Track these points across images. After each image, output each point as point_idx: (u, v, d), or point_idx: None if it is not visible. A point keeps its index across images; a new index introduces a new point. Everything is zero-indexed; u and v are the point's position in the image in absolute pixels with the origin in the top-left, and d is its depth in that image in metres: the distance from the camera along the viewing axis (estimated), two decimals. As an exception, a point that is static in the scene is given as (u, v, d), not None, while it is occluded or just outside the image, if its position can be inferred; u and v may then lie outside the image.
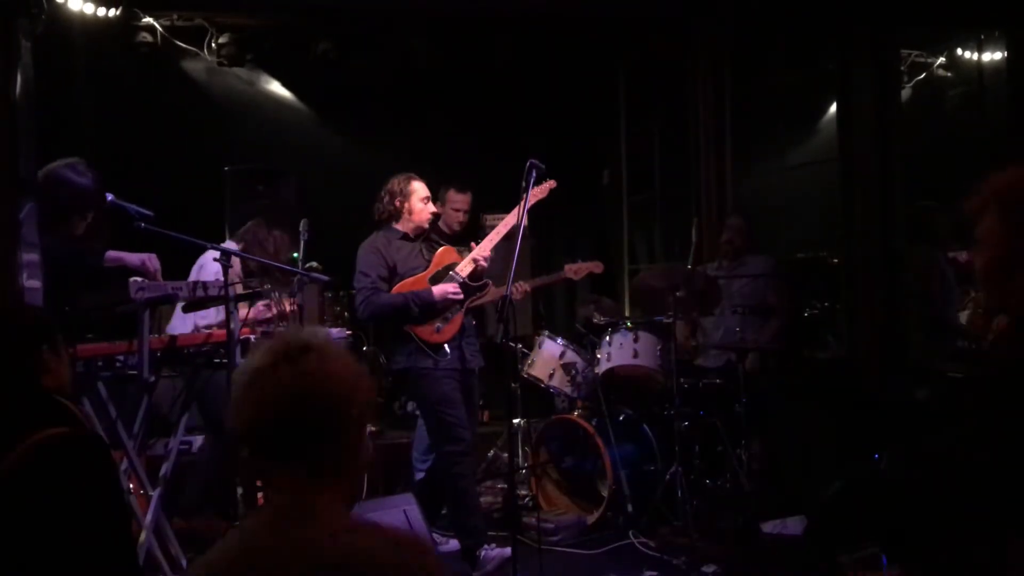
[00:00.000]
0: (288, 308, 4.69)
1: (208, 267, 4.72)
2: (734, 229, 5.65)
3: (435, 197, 5.04)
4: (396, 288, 4.50)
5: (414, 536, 1.59)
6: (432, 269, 4.58)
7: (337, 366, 1.60)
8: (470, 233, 5.56)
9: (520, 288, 5.13)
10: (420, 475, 4.90)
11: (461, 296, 4.52)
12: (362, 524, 1.60)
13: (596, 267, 5.57)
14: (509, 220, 4.59)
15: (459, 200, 5.34)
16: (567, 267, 5.50)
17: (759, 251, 5.63)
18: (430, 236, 4.77)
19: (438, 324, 4.48)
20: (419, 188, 4.69)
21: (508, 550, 4.07)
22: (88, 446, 2.27)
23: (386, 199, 4.66)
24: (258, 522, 1.58)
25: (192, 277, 4.71)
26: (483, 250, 4.60)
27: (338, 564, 1.48)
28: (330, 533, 1.52)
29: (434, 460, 4.70)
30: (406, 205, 4.63)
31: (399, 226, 4.64)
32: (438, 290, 4.47)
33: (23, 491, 2.14)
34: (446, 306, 4.49)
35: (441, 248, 4.68)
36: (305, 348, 1.59)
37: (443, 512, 4.76)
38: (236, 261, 4.55)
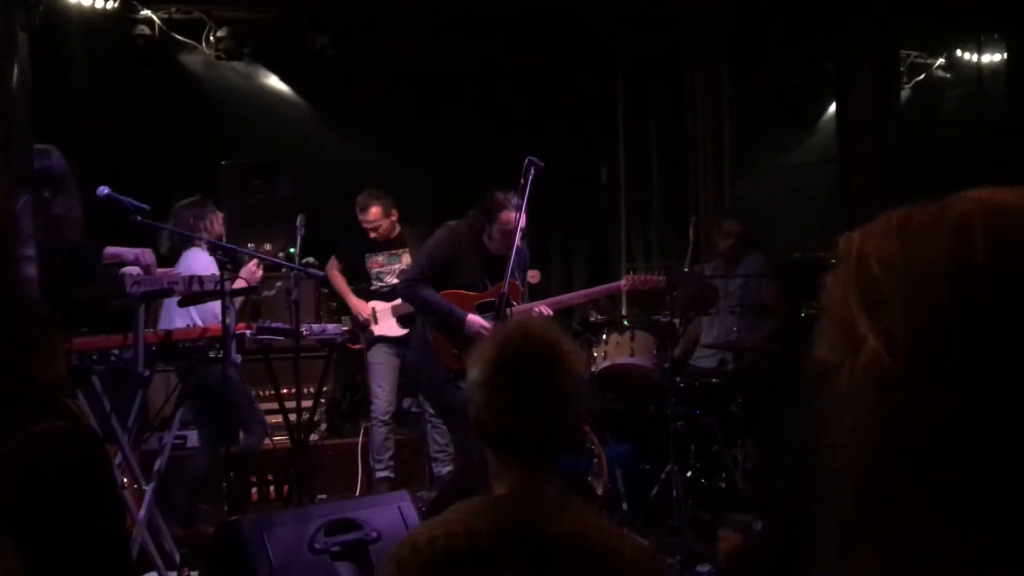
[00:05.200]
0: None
1: (195, 268, 4.70)
2: (732, 233, 5.61)
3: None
4: (453, 293, 4.37)
5: (642, 541, 1.73)
6: (487, 296, 4.42)
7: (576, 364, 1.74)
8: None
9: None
10: (442, 469, 4.94)
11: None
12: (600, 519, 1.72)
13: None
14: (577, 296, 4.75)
15: (362, 220, 5.57)
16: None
17: (754, 250, 5.62)
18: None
19: (456, 351, 4.28)
20: (507, 221, 4.34)
21: None
22: (84, 440, 2.26)
23: (482, 209, 4.42)
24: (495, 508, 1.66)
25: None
26: (547, 307, 4.53)
27: (579, 541, 1.59)
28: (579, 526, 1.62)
29: (462, 459, 4.65)
30: (495, 228, 4.38)
31: (485, 239, 4.44)
32: (472, 320, 4.30)
33: (18, 484, 2.13)
34: (470, 337, 4.22)
35: (512, 283, 4.36)
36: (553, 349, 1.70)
37: None
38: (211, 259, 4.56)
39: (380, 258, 5.74)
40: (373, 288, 5.72)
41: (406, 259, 5.73)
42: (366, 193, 5.65)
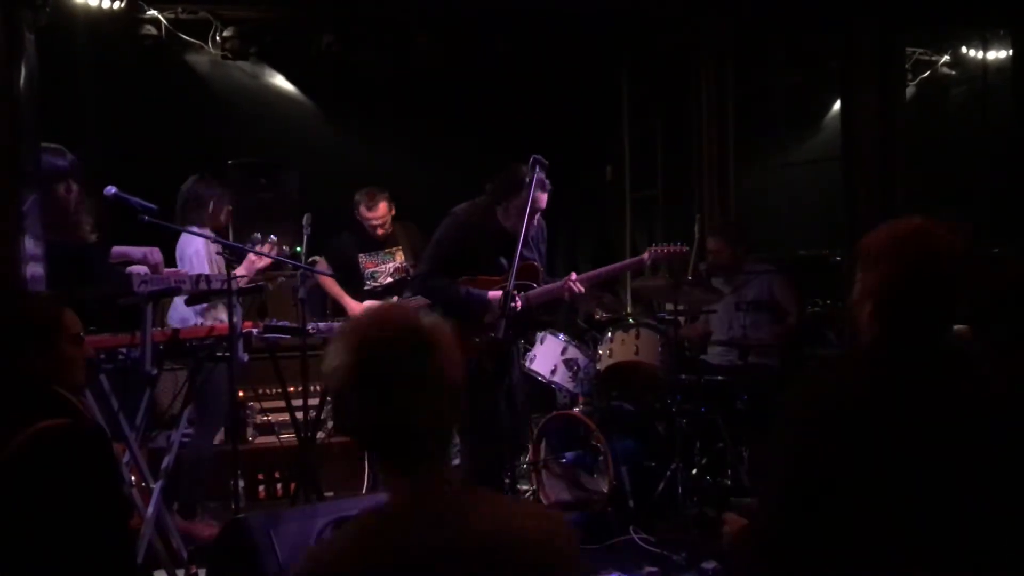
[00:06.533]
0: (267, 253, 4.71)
1: (187, 253, 4.75)
2: (717, 251, 5.55)
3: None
4: (471, 280, 4.28)
5: (548, 510, 1.62)
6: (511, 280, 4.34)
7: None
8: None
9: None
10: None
11: (517, 309, 4.21)
12: (501, 499, 1.60)
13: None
14: (601, 272, 4.55)
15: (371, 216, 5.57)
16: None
17: (757, 257, 5.63)
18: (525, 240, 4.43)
19: (477, 339, 4.18)
20: (541, 199, 4.26)
21: None
22: (87, 437, 2.28)
23: (506, 184, 4.27)
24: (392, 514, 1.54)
25: (178, 265, 4.72)
26: (579, 284, 4.39)
27: (488, 539, 1.49)
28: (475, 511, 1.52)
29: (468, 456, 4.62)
30: (514, 203, 4.25)
31: (500, 215, 4.33)
32: (495, 296, 4.21)
33: (20, 481, 2.15)
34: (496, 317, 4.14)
35: (524, 263, 4.36)
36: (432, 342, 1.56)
37: None
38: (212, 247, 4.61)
39: (374, 257, 5.75)
40: (366, 288, 5.71)
41: (400, 257, 5.74)
42: (370, 190, 5.64)
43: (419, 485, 1.53)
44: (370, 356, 1.52)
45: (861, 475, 1.82)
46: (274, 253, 4.68)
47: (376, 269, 5.74)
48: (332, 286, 5.75)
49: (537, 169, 4.16)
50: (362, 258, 5.74)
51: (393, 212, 5.68)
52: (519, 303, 4.29)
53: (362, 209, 5.63)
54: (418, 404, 1.52)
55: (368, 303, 5.62)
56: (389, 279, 5.70)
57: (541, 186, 4.23)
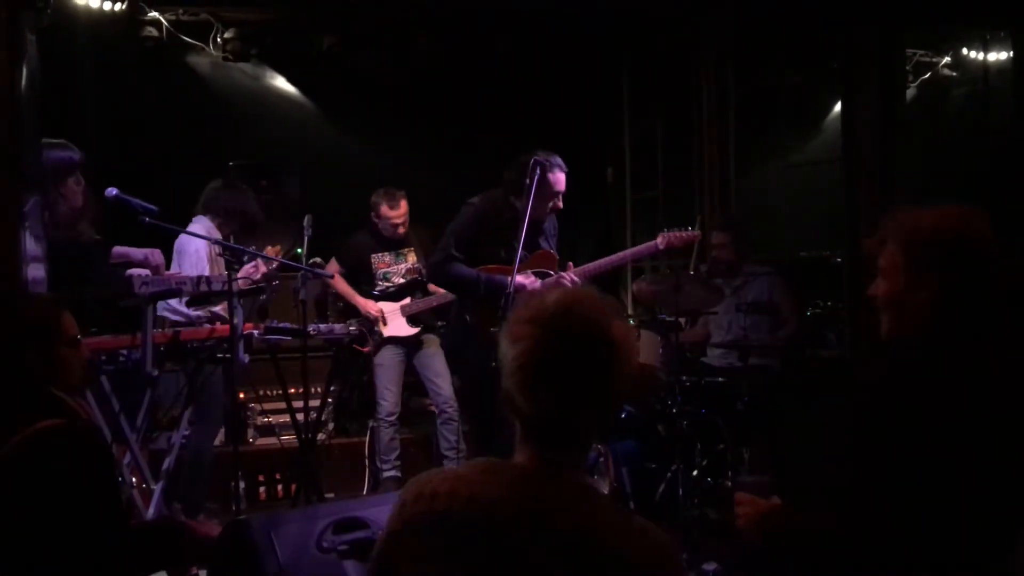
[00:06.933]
0: (267, 268, 4.71)
1: (187, 250, 4.74)
2: (721, 246, 5.55)
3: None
4: (488, 270, 4.25)
5: (663, 538, 1.59)
6: (527, 268, 4.34)
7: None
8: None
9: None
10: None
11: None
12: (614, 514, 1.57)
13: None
14: (614, 259, 4.58)
15: (393, 215, 5.57)
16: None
17: (757, 259, 5.62)
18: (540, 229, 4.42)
19: (496, 328, 4.12)
20: (560, 181, 4.30)
21: None
22: (84, 436, 2.28)
23: (521, 171, 4.23)
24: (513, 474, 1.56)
25: (173, 266, 4.71)
26: (578, 275, 4.42)
27: (582, 536, 1.48)
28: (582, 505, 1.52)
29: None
30: (538, 193, 4.20)
31: (517, 204, 4.29)
32: (517, 282, 4.14)
33: (19, 480, 2.15)
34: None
35: (542, 251, 4.39)
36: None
37: None
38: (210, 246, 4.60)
39: (387, 257, 5.75)
40: (378, 289, 5.71)
41: (412, 258, 5.74)
42: (388, 190, 5.62)
43: (551, 459, 1.55)
44: (554, 345, 1.52)
45: (946, 456, 1.89)
46: (273, 266, 4.68)
47: (389, 269, 5.73)
48: (342, 285, 5.74)
49: (538, 171, 4.16)
50: (375, 258, 5.73)
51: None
52: (528, 282, 4.31)
53: (383, 209, 5.60)
54: (588, 404, 1.53)
55: (381, 304, 5.63)
56: (402, 280, 5.69)
57: (559, 168, 4.29)
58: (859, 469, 1.97)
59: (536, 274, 4.39)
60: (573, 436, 1.57)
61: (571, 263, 4.57)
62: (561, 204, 4.43)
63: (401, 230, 5.63)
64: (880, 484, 1.92)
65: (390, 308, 5.60)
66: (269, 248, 4.72)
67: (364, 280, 5.75)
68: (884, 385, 2.00)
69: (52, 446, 2.19)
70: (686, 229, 4.78)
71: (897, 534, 1.90)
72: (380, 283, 5.73)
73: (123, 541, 2.30)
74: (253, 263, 4.57)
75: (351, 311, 5.79)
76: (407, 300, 5.61)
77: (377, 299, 5.68)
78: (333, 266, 5.77)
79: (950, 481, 1.88)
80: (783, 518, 2.11)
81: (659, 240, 4.74)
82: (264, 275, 4.62)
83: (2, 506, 2.14)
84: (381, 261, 5.74)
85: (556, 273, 4.46)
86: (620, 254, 4.87)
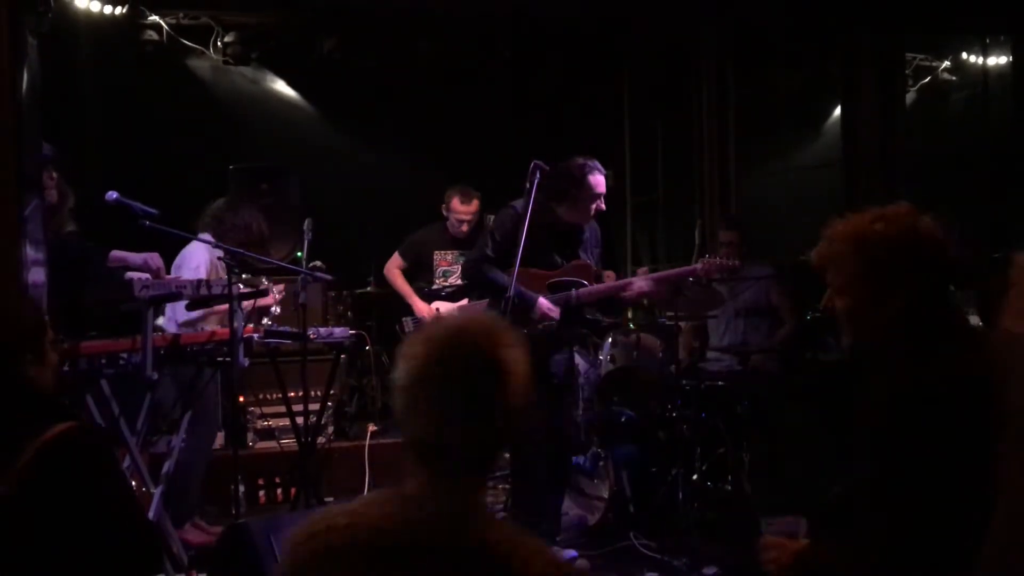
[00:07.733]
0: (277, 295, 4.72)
1: (188, 266, 4.72)
2: (727, 243, 5.53)
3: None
4: (523, 272, 4.19)
5: (561, 561, 1.57)
6: (561, 275, 4.34)
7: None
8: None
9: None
10: None
11: (557, 319, 4.27)
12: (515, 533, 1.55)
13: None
14: (671, 274, 4.61)
15: (463, 211, 5.47)
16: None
17: (756, 258, 5.62)
18: (579, 234, 4.42)
19: (525, 330, 4.12)
20: (599, 182, 4.30)
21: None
22: (96, 437, 2.30)
23: (564, 178, 4.25)
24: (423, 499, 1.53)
25: (174, 273, 4.69)
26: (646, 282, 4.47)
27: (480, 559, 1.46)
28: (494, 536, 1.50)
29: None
30: (580, 197, 4.26)
31: (563, 212, 4.31)
32: (541, 304, 4.22)
33: (50, 484, 2.15)
34: (538, 320, 4.23)
35: (578, 262, 4.38)
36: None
37: None
38: (214, 254, 4.59)
39: (449, 256, 5.72)
40: (435, 287, 5.67)
41: None
42: (464, 187, 5.59)
43: (446, 484, 1.52)
44: (441, 363, 1.50)
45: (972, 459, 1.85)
46: (279, 298, 4.69)
47: (449, 268, 5.70)
48: (400, 282, 5.70)
49: (538, 175, 4.15)
50: (437, 255, 5.71)
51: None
52: (574, 297, 4.33)
53: (455, 203, 5.56)
54: (476, 423, 1.51)
55: (437, 304, 5.60)
56: (460, 281, 5.65)
57: (598, 170, 4.30)
58: (893, 498, 1.93)
59: (568, 284, 4.32)
60: (460, 458, 1.53)
61: (640, 269, 4.56)
62: (604, 206, 4.41)
63: (465, 228, 5.59)
64: (915, 513, 1.89)
65: (446, 308, 5.56)
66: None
67: (422, 277, 5.72)
68: (911, 410, 1.94)
69: (75, 447, 2.20)
70: (726, 258, 4.71)
71: (931, 560, 1.87)
72: (439, 280, 5.70)
73: (148, 530, 2.31)
74: (271, 296, 4.59)
75: (355, 313, 5.75)
76: (464, 302, 5.56)
77: (432, 299, 5.64)
78: (395, 260, 5.74)
79: (976, 503, 1.82)
80: (815, 557, 2.03)
81: (699, 265, 4.66)
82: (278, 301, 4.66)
83: (39, 509, 2.14)
84: (443, 259, 5.72)
85: (589, 283, 4.42)
86: (661, 274, 4.85)
